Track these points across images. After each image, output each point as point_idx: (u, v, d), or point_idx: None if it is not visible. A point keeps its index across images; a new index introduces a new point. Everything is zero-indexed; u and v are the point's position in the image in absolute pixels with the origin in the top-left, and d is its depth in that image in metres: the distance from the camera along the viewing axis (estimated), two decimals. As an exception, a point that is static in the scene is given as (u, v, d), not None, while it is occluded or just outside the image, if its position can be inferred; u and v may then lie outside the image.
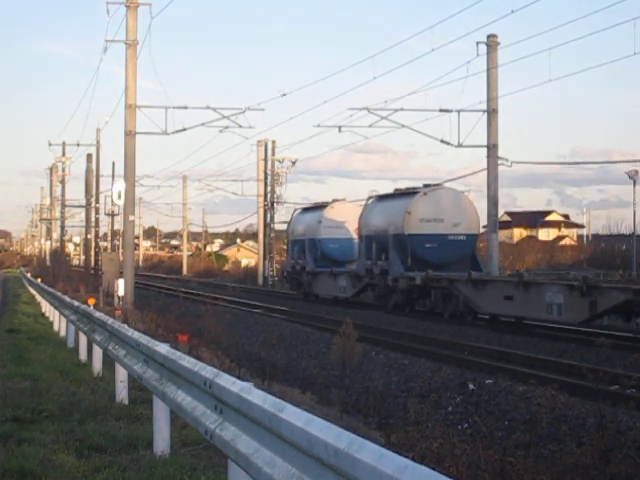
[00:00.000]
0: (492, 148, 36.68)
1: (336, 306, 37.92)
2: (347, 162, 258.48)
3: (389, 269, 34.50)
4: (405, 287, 33.28)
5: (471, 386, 16.10)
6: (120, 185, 38.10)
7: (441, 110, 37.50)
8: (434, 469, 3.62)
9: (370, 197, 38.89)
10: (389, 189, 40.28)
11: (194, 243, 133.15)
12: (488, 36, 36.42)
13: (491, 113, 36.84)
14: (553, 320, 25.79)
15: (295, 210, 48.18)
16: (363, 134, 41.14)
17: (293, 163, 63.24)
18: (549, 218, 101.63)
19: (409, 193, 35.42)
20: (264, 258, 64.74)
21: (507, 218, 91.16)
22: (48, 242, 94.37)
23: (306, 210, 46.77)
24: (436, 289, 31.40)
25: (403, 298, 33.84)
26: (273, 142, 63.53)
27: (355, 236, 40.75)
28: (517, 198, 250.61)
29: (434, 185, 35.31)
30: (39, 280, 42.16)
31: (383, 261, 35.08)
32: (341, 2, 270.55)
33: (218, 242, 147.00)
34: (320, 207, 44.30)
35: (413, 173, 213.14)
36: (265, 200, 64.12)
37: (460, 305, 29.51)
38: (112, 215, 55.95)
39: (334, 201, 43.65)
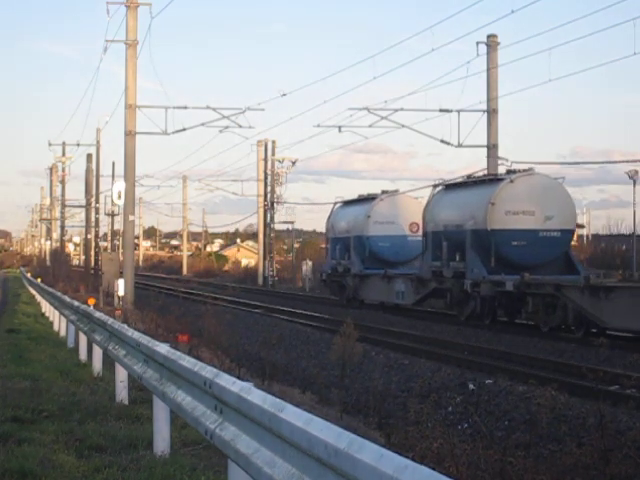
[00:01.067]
0: (492, 148, 36.72)
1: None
2: (347, 162, 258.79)
3: (466, 272, 29.37)
4: (488, 293, 27.98)
5: (471, 386, 16.10)
6: (120, 185, 38.13)
7: (441, 110, 37.55)
8: (434, 469, 3.62)
9: (436, 185, 33.49)
10: (389, 189, 38.86)
11: (194, 243, 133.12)
12: (488, 36, 36.47)
13: (491, 113, 36.87)
14: None
15: (336, 203, 41.56)
16: (363, 134, 41.20)
17: (293, 163, 63.25)
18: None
19: (491, 180, 30.47)
20: (264, 258, 64.73)
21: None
22: (48, 242, 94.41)
23: (349, 203, 40.58)
24: (535, 296, 25.94)
25: (483, 307, 28.49)
26: (273, 142, 63.56)
27: (409, 233, 36.62)
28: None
29: (523, 171, 29.90)
30: (39, 280, 42.15)
31: (457, 262, 29.92)
32: (341, 2, 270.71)
33: (218, 242, 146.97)
34: (367, 200, 38.52)
35: (413, 173, 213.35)
36: (265, 200, 64.12)
37: (569, 317, 24.44)
38: (112, 215, 55.94)
39: (384, 193, 38.26)
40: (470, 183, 31.29)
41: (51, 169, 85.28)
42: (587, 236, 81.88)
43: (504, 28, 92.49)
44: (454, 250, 29.89)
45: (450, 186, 32.54)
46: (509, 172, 29.84)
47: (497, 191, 28.59)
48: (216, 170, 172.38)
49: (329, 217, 41.35)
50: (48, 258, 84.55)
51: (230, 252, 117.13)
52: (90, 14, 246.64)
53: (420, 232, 32.79)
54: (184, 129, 37.91)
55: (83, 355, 17.01)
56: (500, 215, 28.43)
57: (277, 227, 67.10)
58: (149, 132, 37.87)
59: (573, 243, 36.03)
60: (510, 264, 28.19)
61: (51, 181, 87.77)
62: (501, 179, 29.38)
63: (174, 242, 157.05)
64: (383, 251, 36.99)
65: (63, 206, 78.41)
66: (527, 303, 26.29)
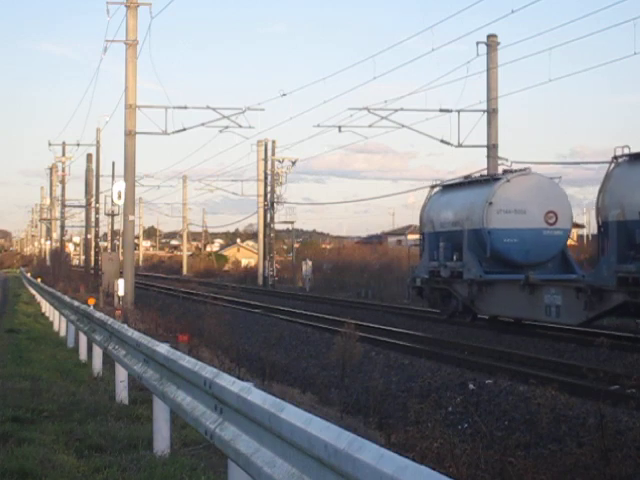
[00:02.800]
0: (492, 148, 36.72)
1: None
2: (347, 162, 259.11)
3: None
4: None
5: (471, 386, 16.10)
6: (120, 185, 38.16)
7: (441, 110, 37.56)
8: (434, 469, 3.62)
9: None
10: (389, 189, 38.29)
11: (194, 243, 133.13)
12: (488, 36, 36.48)
13: (491, 113, 36.87)
14: None
15: (433, 187, 32.64)
16: (363, 134, 41.19)
17: (293, 163, 63.26)
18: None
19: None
20: (264, 258, 64.74)
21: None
22: (48, 242, 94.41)
23: (457, 187, 31.34)
24: None
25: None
26: (273, 142, 63.57)
27: (544, 225, 28.51)
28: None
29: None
30: (39, 280, 42.15)
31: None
32: (341, 2, 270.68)
33: (218, 242, 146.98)
34: (486, 181, 29.93)
35: (413, 173, 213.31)
36: (265, 200, 64.13)
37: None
38: (112, 215, 55.99)
39: (508, 172, 29.51)
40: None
41: (51, 169, 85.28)
42: (587, 236, 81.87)
43: (504, 28, 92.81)
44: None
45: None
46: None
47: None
48: (216, 170, 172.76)
49: (424, 206, 32.43)
50: (48, 258, 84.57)
51: (230, 252, 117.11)
52: (90, 14, 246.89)
53: (559, 224, 28.39)
54: (184, 129, 37.91)
55: (83, 355, 17.02)
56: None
57: (277, 227, 67.18)
58: (149, 132, 37.88)
59: (573, 243, 35.41)
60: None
61: (51, 181, 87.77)
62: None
63: (174, 242, 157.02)
64: (509, 249, 28.47)
65: (63, 206, 78.42)
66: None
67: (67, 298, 21.22)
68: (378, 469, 3.69)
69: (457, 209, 29.89)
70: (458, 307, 29.63)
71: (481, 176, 31.31)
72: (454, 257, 29.57)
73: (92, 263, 66.57)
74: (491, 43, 36.52)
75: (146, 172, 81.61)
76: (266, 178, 63.90)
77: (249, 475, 5.61)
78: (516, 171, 29.07)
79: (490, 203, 27.88)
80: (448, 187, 31.69)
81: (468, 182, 30.60)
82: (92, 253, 68.51)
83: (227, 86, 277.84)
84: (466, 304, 28.83)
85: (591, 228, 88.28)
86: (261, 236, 67.60)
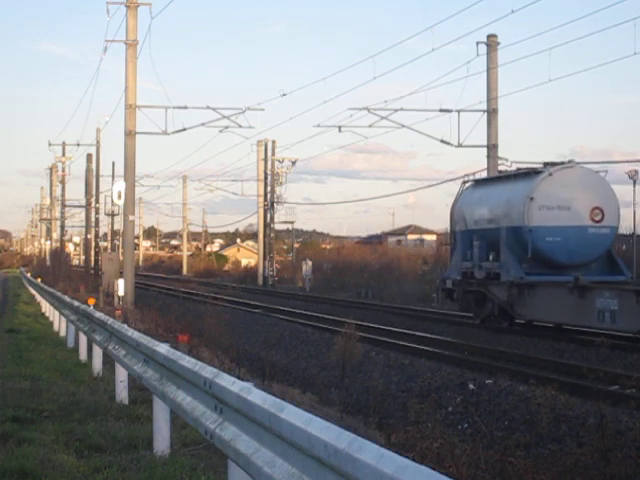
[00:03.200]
0: (492, 148, 36.74)
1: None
2: (347, 162, 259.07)
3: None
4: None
5: (471, 386, 16.10)
6: (120, 185, 38.17)
7: (441, 110, 37.58)
8: (434, 469, 3.62)
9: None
10: (389, 189, 38.12)
11: (194, 243, 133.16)
12: (488, 36, 36.51)
13: (491, 113, 36.88)
14: None
15: (465, 182, 30.73)
16: (363, 134, 41.15)
17: (293, 163, 63.29)
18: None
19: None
20: (264, 258, 64.76)
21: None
22: (48, 242, 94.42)
23: (492, 181, 29.67)
24: None
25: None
26: (273, 142, 63.60)
27: (590, 222, 26.42)
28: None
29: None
30: (39, 280, 42.15)
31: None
32: (341, 2, 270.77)
33: (218, 242, 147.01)
34: (525, 175, 27.51)
35: (413, 173, 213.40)
36: (265, 200, 64.14)
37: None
38: (112, 215, 56.03)
39: (550, 165, 27.09)
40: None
41: (51, 169, 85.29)
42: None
43: (504, 28, 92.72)
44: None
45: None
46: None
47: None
48: (216, 170, 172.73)
49: (455, 202, 30.25)
50: (48, 258, 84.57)
51: (230, 252, 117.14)
52: (90, 14, 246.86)
53: (605, 221, 26.38)
54: (184, 129, 37.92)
55: (83, 355, 17.02)
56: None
57: (277, 227, 67.21)
58: (149, 132, 37.88)
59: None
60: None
61: (51, 181, 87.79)
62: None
63: (174, 242, 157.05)
64: (552, 249, 26.25)
65: (63, 206, 78.44)
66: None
67: (67, 298, 21.22)
68: (378, 469, 3.69)
69: (493, 205, 27.80)
70: (494, 311, 27.25)
71: (518, 170, 28.60)
72: (490, 257, 27.49)
73: (92, 263, 66.58)
74: (491, 43, 36.54)
75: (146, 172, 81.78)
76: (266, 178, 63.92)
77: (249, 475, 5.61)
78: (559, 164, 27.04)
79: (531, 198, 25.81)
80: (481, 182, 29.90)
81: (505, 176, 28.32)
82: (92, 253, 68.53)
83: (227, 86, 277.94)
84: (504, 308, 26.60)
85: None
86: (261, 236, 67.62)
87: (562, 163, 27.08)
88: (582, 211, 26.16)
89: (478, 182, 29.85)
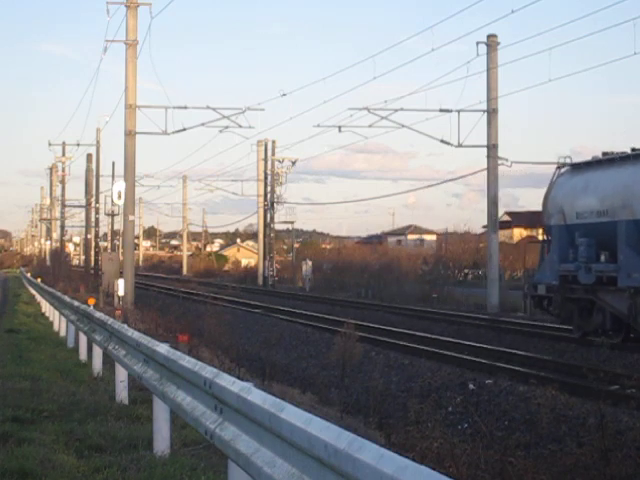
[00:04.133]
0: (492, 148, 36.74)
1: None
2: (347, 162, 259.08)
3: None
4: None
5: (471, 386, 16.10)
6: (120, 185, 38.15)
7: (441, 110, 37.58)
8: (434, 469, 3.62)
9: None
10: (389, 189, 38.07)
11: (194, 243, 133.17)
12: (488, 36, 36.52)
13: (491, 113, 36.88)
14: None
15: (560, 167, 25.32)
16: (363, 134, 41.16)
17: (293, 163, 63.29)
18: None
19: None
20: (264, 258, 64.76)
21: (507, 218, 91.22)
22: (48, 242, 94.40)
23: (597, 165, 23.70)
24: None
25: None
26: (273, 142, 63.60)
27: None
28: (519, 198, 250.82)
29: None
30: (39, 280, 42.15)
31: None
32: (341, 2, 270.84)
33: (218, 242, 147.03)
34: None
35: (413, 173, 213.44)
36: (265, 200, 64.15)
37: None
38: (112, 215, 56.01)
39: None
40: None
41: (51, 169, 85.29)
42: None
43: (504, 28, 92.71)
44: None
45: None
46: None
47: None
48: (216, 170, 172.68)
49: (548, 192, 25.03)
50: (48, 258, 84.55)
51: (230, 252, 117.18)
52: (90, 14, 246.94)
53: None
54: (184, 129, 37.91)
55: (83, 355, 17.01)
56: None
57: (277, 227, 67.23)
58: (149, 132, 37.87)
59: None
60: None
61: (51, 181, 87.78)
62: None
63: (174, 242, 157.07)
64: None
65: (63, 206, 78.43)
66: None
67: (67, 298, 21.21)
68: (378, 469, 3.69)
69: (604, 194, 22.40)
70: (605, 323, 22.29)
71: (634, 150, 22.55)
72: (601, 257, 22.40)
73: (92, 263, 66.57)
74: (491, 43, 36.55)
75: (146, 172, 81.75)
76: (266, 178, 63.92)
77: (249, 475, 5.60)
78: None
79: None
80: (584, 166, 24.27)
81: (620, 158, 22.74)
82: (92, 253, 68.52)
83: (227, 86, 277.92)
84: (620, 319, 21.75)
85: None
86: (261, 236, 67.62)
87: None
88: None
89: (579, 166, 24.41)
